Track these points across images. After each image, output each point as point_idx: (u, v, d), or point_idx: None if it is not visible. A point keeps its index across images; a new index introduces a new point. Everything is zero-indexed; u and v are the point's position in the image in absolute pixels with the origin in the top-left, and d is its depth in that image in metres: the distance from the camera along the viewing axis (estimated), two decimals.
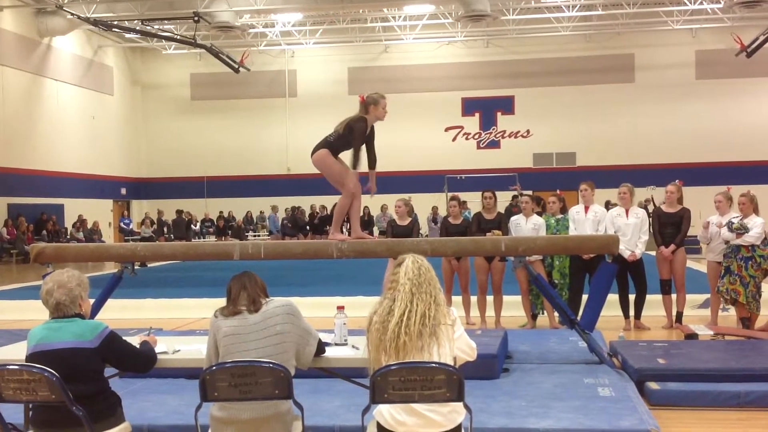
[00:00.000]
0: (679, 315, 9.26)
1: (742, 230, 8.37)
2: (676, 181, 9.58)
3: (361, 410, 3.62)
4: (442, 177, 27.20)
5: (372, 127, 6.69)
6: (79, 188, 28.09)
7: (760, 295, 8.49)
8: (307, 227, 27.97)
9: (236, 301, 3.94)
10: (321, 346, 4.16)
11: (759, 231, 8.36)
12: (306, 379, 5.31)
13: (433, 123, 30.62)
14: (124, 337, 4.04)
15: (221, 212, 29.55)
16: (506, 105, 30.88)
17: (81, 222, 26.59)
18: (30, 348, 3.85)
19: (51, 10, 25.54)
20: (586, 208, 9.32)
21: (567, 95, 29.99)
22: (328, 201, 28.94)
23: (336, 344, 4.50)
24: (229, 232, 28.18)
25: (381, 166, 6.76)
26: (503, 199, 16.27)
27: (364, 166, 6.65)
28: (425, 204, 25.47)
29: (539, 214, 9.70)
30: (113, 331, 3.93)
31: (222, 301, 4.03)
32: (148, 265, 19.37)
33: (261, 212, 30.46)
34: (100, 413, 3.79)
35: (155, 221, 26.57)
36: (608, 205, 12.85)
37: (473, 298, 9.74)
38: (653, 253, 9.39)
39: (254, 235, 28.89)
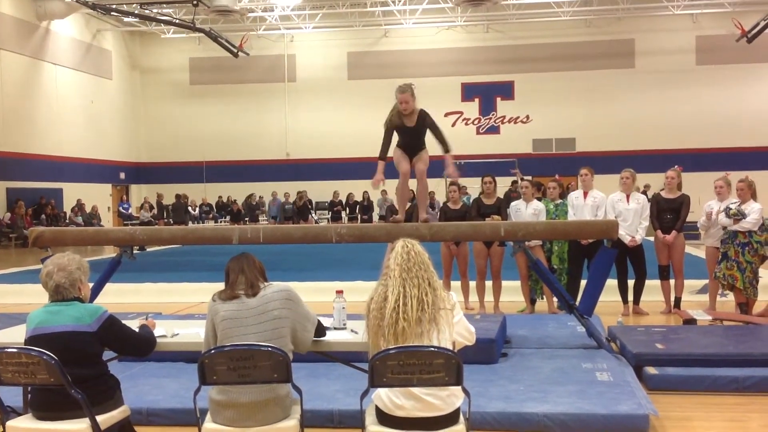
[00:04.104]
0: (678, 300, 9.29)
1: (739, 216, 8.37)
2: (676, 166, 9.58)
3: (359, 394, 3.62)
4: (441, 162, 27.14)
5: (422, 116, 7.15)
6: (78, 172, 28.06)
7: (757, 281, 8.50)
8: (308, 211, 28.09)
9: (234, 285, 3.93)
10: (321, 328, 4.16)
11: (756, 217, 8.35)
12: (305, 363, 5.32)
13: (432, 108, 29.24)
14: (122, 321, 4.03)
15: (229, 197, 29.58)
16: (506, 90, 30.79)
17: (80, 206, 26.57)
18: (29, 331, 3.86)
19: None
20: (585, 194, 9.32)
21: (567, 81, 29.90)
22: (325, 186, 28.99)
23: (335, 328, 4.51)
24: (228, 216, 28.21)
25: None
26: (502, 184, 16.26)
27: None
28: None
29: (539, 199, 9.71)
30: (112, 315, 3.93)
31: (220, 286, 4.02)
32: (147, 249, 19.37)
33: (260, 197, 30.41)
34: (98, 396, 3.79)
35: (154, 205, 26.58)
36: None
37: (472, 284, 9.74)
38: (652, 238, 9.39)
39: (247, 220, 28.90)
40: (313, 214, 28.08)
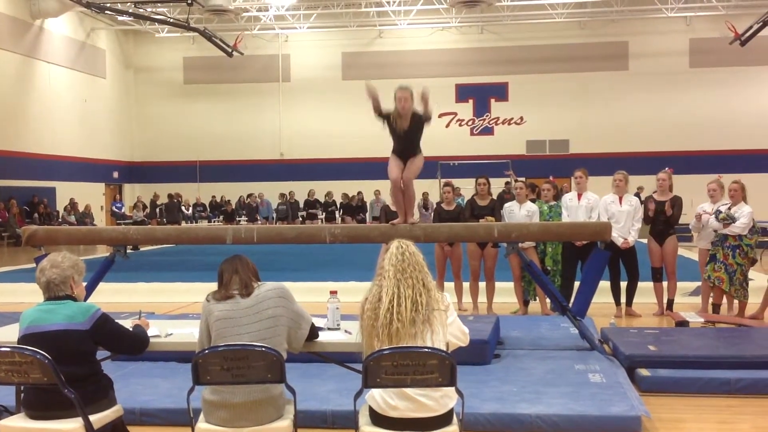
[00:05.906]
0: (670, 302, 9.31)
1: (728, 220, 8.41)
2: (666, 168, 9.60)
3: (353, 395, 3.63)
4: (435, 163, 27.14)
5: (415, 117, 6.89)
6: (71, 171, 27.96)
7: (747, 284, 8.55)
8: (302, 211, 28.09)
9: (228, 285, 3.93)
10: (314, 330, 4.15)
11: (745, 221, 8.40)
12: (298, 363, 5.32)
13: None
14: (116, 321, 4.03)
15: (222, 196, 29.52)
16: (500, 92, 30.81)
17: (72, 205, 26.50)
18: (22, 330, 3.85)
19: None
20: (579, 195, 9.33)
21: (561, 82, 29.92)
22: (319, 186, 28.98)
23: (329, 329, 4.52)
24: (222, 216, 28.17)
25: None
26: (496, 185, 16.29)
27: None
28: (418, 190, 25.40)
29: (533, 201, 9.72)
30: (105, 314, 3.92)
31: (214, 286, 4.02)
32: (141, 249, 19.34)
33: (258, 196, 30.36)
34: (92, 396, 3.78)
35: (147, 205, 26.52)
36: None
37: (465, 284, 9.75)
38: (645, 240, 9.42)
39: (246, 220, 28.86)
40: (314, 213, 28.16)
